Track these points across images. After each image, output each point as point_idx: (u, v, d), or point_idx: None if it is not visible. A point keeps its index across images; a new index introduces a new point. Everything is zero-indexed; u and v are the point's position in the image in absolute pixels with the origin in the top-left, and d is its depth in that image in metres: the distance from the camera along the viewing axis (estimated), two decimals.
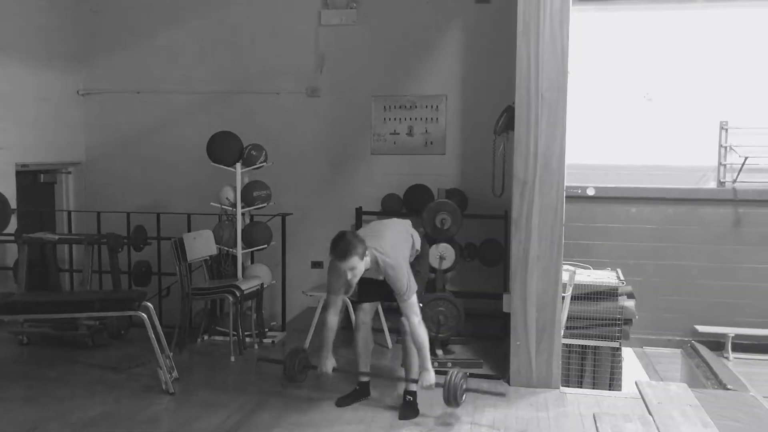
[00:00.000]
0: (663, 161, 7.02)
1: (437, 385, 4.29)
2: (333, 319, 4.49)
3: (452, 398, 4.23)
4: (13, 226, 6.11)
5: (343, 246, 4.12)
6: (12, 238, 6.06)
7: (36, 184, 7.43)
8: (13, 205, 6.33)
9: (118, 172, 7.79)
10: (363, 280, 4.73)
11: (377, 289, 4.58)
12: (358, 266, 4.15)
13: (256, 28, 7.48)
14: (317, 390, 4.91)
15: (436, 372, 5.22)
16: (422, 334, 4.28)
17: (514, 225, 4.92)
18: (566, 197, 4.93)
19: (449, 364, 5.36)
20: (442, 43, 7.20)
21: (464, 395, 4.30)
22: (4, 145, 6.62)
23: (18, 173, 6.88)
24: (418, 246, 4.68)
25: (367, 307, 4.70)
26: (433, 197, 6.51)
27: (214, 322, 6.26)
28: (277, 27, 7.45)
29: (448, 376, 4.25)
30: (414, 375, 4.56)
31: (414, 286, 4.29)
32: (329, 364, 4.49)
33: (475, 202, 6.77)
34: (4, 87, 6.70)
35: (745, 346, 6.82)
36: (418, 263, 4.72)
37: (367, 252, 4.18)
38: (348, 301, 5.77)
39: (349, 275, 4.16)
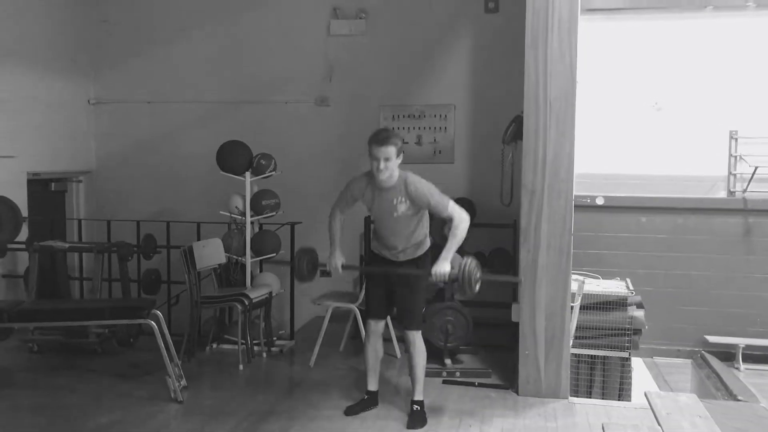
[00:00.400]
0: (672, 170, 7.00)
1: (451, 277, 4.18)
2: (337, 219, 4.53)
3: (468, 287, 4.10)
4: (24, 234, 6.15)
5: (385, 134, 4.24)
6: (23, 246, 6.10)
7: (47, 192, 7.48)
8: (25, 213, 6.38)
9: (129, 181, 7.83)
10: (372, 286, 4.68)
11: (388, 295, 4.58)
12: (392, 159, 4.18)
13: (266, 38, 7.52)
14: (326, 398, 4.91)
15: (444, 381, 5.25)
16: (462, 231, 4.24)
17: (523, 234, 4.91)
18: (575, 206, 4.93)
19: (458, 374, 5.36)
20: (450, 52, 7.20)
21: (479, 283, 4.15)
22: (15, 154, 6.66)
23: (29, 182, 6.92)
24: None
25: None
26: None
27: (222, 330, 6.27)
28: (286, 37, 7.48)
29: (462, 264, 4.12)
30: (420, 387, 4.53)
31: (446, 196, 4.29)
32: (338, 261, 4.45)
33: (484, 211, 6.76)
34: (16, 96, 6.75)
35: (756, 356, 6.77)
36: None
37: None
38: (357, 311, 5.77)
39: (382, 165, 4.16)
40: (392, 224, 4.40)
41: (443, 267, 4.18)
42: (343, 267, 4.49)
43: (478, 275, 4.13)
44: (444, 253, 4.22)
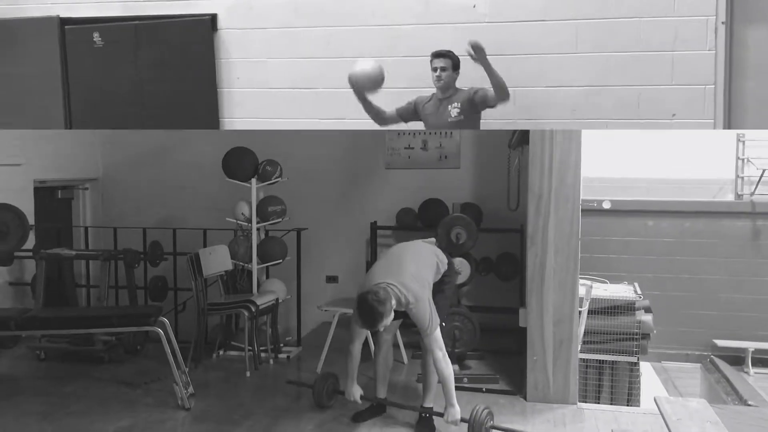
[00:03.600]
0: (679, 174, 6.97)
1: (462, 420, 4.20)
2: (357, 349, 4.39)
3: None
4: (31, 242, 6.16)
5: (370, 317, 3.96)
6: (30, 254, 6.12)
7: (53, 200, 7.49)
8: (31, 221, 6.39)
9: (135, 188, 7.85)
10: None
11: None
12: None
13: None
14: (334, 405, 4.88)
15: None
16: (447, 368, 4.17)
17: (530, 239, 4.89)
18: (582, 211, 4.90)
19: (465, 380, 5.34)
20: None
21: None
22: (22, 162, 6.68)
23: (36, 189, 6.94)
24: (443, 269, 4.49)
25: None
26: (448, 211, 6.50)
27: (229, 337, 6.26)
28: None
29: (473, 412, 4.15)
30: (431, 395, 4.49)
31: (436, 319, 4.13)
32: (356, 391, 4.44)
33: (491, 216, 6.74)
34: None
35: (765, 360, 6.74)
36: (444, 283, 4.59)
37: (390, 289, 4.02)
38: None
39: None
40: None
41: (454, 414, 4.20)
42: (362, 398, 4.48)
43: (489, 424, 4.18)
44: (448, 400, 4.22)
